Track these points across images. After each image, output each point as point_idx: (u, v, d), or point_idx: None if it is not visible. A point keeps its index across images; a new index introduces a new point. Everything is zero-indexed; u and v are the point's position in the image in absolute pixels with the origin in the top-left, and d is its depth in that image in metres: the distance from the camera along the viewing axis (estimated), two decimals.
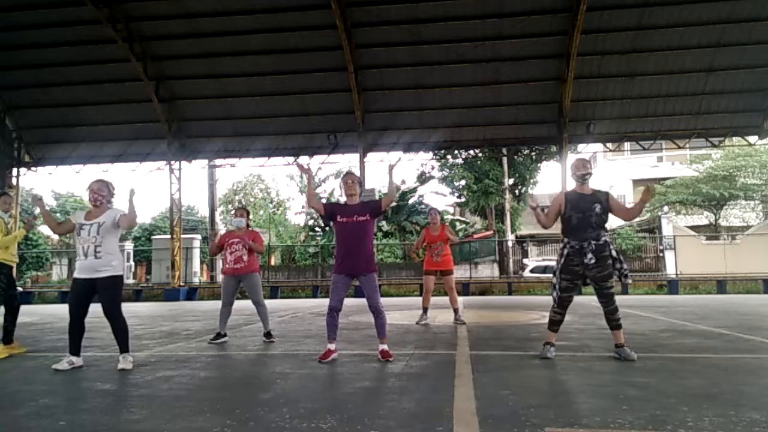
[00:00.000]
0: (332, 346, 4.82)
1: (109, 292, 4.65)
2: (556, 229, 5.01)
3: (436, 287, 8.51)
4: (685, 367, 4.38)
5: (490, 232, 27.50)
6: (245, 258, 6.30)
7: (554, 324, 4.82)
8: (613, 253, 4.66)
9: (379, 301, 4.84)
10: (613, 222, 31.16)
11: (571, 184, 4.99)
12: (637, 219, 28.45)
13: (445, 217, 32.14)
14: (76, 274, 4.71)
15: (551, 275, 4.97)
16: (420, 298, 8.43)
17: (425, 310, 8.05)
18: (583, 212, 4.65)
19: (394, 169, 5.07)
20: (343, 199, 4.99)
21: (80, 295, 4.66)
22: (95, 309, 4.73)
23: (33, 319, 10.50)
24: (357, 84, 16.58)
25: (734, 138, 18.85)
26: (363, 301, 6.51)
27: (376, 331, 4.89)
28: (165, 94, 17.65)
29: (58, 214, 35.21)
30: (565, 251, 4.71)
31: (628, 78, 16.43)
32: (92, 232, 4.62)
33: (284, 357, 5.18)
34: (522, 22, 15.21)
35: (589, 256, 4.57)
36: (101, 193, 4.76)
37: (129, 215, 4.75)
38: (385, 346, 4.81)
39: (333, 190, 32.25)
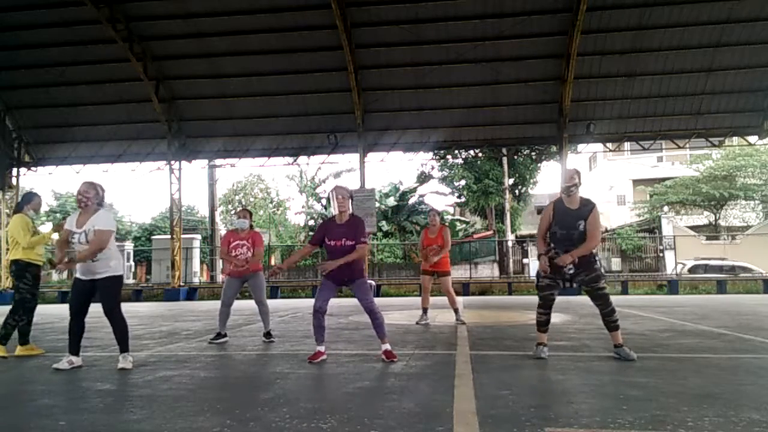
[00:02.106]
0: (321, 348, 4.81)
1: (108, 291, 4.65)
2: None
3: (435, 288, 8.51)
4: (685, 367, 4.38)
5: (490, 232, 27.56)
6: (249, 260, 6.33)
7: (542, 324, 4.83)
8: (598, 263, 4.69)
9: (372, 302, 4.81)
10: (614, 222, 31.22)
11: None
12: (638, 219, 28.50)
13: (445, 217, 32.19)
14: (77, 274, 4.71)
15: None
16: (420, 299, 8.43)
17: (425, 310, 8.05)
18: (567, 229, 4.63)
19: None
20: (335, 206, 4.89)
21: (80, 294, 4.66)
22: (95, 309, 4.73)
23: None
24: (357, 84, 16.58)
25: (734, 138, 18.84)
26: None
27: (375, 332, 4.87)
28: (165, 94, 17.64)
29: (58, 215, 35.28)
30: (549, 254, 4.73)
31: (628, 78, 16.42)
32: (82, 239, 4.59)
33: (284, 357, 5.18)
34: (522, 22, 15.22)
35: (569, 266, 4.58)
36: (87, 194, 4.67)
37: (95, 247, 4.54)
38: (387, 346, 4.80)
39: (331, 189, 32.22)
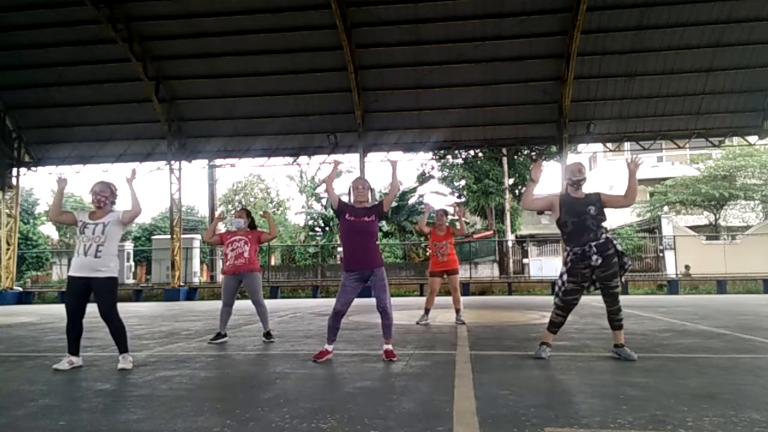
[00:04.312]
0: (329, 347, 4.84)
1: (105, 293, 4.63)
2: (556, 228, 4.99)
3: (440, 286, 8.53)
4: (685, 367, 4.38)
5: (490, 232, 27.54)
6: (246, 255, 6.29)
7: (554, 326, 4.79)
8: (618, 247, 4.64)
9: (387, 302, 4.80)
10: (614, 222, 31.21)
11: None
12: (638, 219, 28.49)
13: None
14: (71, 272, 4.65)
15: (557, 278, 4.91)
16: (421, 298, 8.44)
17: (427, 311, 8.05)
18: (578, 216, 4.62)
19: (396, 168, 5.06)
20: (353, 197, 4.96)
21: (77, 293, 4.63)
22: (93, 309, 4.73)
23: (33, 319, 10.50)
24: (357, 84, 16.57)
25: (734, 138, 18.85)
26: (363, 301, 6.52)
27: (382, 332, 4.87)
28: (165, 94, 17.64)
29: None
30: (569, 258, 4.68)
31: (628, 78, 16.42)
32: (97, 231, 4.62)
33: (284, 357, 5.18)
34: (522, 22, 15.21)
35: (595, 257, 4.53)
36: (104, 194, 4.76)
37: (132, 207, 4.76)
38: (389, 346, 4.82)
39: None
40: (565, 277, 4.69)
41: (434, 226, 8.23)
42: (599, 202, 4.68)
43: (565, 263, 4.77)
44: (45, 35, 16.37)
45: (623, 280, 4.75)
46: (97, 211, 4.78)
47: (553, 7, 15.15)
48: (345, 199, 5.06)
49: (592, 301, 10.22)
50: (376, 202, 4.98)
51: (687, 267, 19.54)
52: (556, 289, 4.81)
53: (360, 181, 5.01)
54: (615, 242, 4.65)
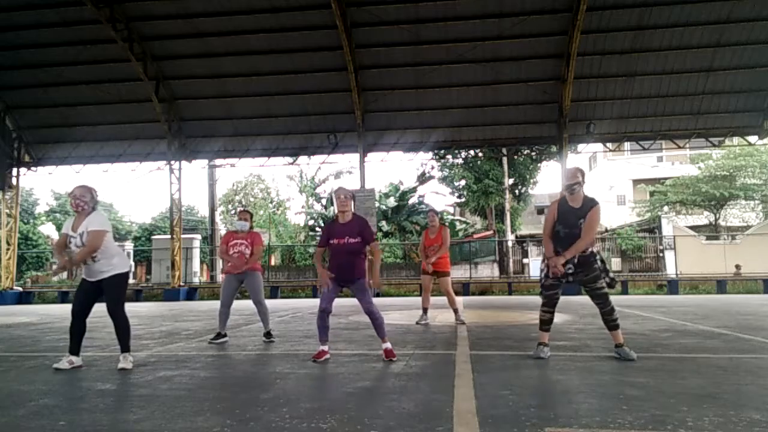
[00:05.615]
0: (325, 347, 4.86)
1: (113, 290, 4.67)
2: None
3: (436, 288, 8.53)
4: (685, 367, 4.38)
5: (490, 232, 27.57)
6: (248, 256, 6.35)
7: (545, 323, 4.84)
8: (599, 263, 4.64)
9: (371, 303, 4.85)
10: (613, 222, 31.21)
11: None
12: (638, 219, 28.51)
13: (445, 217, 32.19)
14: (83, 275, 4.73)
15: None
16: (420, 299, 8.44)
17: (425, 310, 8.06)
18: (569, 228, 4.62)
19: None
20: (336, 207, 4.97)
21: (85, 294, 4.68)
22: (96, 308, 4.73)
23: (33, 319, 10.51)
24: (357, 84, 16.57)
25: (734, 138, 18.85)
26: None
27: (376, 332, 4.91)
28: (165, 94, 17.64)
29: (57, 214, 35.23)
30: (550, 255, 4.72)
31: (628, 78, 16.43)
32: (78, 243, 4.59)
33: (284, 357, 5.18)
34: (522, 22, 15.22)
35: (569, 265, 4.59)
36: (83, 198, 4.67)
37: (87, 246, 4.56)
38: (388, 345, 4.83)
39: (332, 190, 32.29)
40: (544, 273, 4.75)
41: (427, 228, 8.23)
42: (586, 216, 4.63)
43: (545, 259, 4.80)
44: (45, 35, 16.37)
45: (609, 281, 4.74)
46: (77, 218, 4.70)
47: (553, 7, 15.15)
48: (331, 210, 5.08)
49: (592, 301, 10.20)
50: (369, 228, 4.94)
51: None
52: (540, 283, 4.87)
53: (341, 190, 4.98)
54: (598, 257, 4.67)
